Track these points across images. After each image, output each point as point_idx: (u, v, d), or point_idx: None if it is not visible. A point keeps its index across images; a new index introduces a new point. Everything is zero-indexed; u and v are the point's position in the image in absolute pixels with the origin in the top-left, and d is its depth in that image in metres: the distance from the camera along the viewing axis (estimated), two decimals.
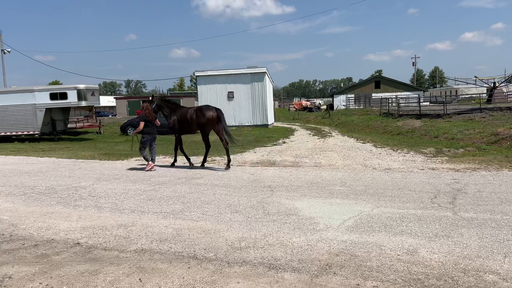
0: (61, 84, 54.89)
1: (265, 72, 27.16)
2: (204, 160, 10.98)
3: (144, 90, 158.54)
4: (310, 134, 22.50)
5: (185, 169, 10.50)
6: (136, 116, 25.46)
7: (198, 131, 10.90)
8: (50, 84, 58.45)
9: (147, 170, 10.26)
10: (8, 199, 7.62)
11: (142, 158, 10.97)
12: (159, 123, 11.26)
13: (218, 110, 10.62)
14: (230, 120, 26.67)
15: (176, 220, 5.86)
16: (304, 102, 72.63)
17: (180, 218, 5.94)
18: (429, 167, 9.91)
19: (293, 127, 30.03)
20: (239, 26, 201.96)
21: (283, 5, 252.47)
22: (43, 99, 20.30)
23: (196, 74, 26.26)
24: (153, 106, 10.82)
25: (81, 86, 20.46)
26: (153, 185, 8.47)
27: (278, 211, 6.15)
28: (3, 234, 5.45)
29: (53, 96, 20.20)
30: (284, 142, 17.40)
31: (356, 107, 52.15)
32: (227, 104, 26.24)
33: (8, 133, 21.13)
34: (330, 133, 22.89)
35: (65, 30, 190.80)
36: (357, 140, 17.49)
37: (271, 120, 29.68)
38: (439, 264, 4.01)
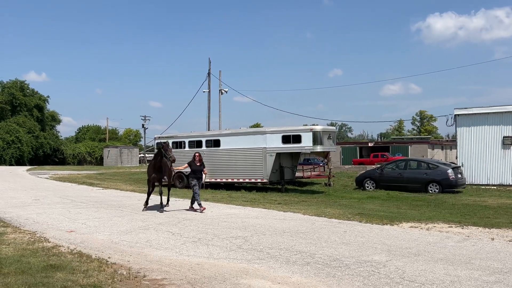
0: (262, 126, 59.94)
1: None
2: None
3: (349, 134, 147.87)
4: None
5: None
6: (377, 167, 24.62)
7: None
8: (251, 126, 64.34)
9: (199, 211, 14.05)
10: (294, 269, 7.26)
11: (197, 204, 14.28)
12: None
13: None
14: (506, 176, 22.85)
15: None
16: None
17: None
18: None
19: None
20: (478, 52, 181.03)
21: None
22: (274, 143, 21.29)
23: (456, 112, 24.12)
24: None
25: (318, 128, 20.79)
26: (493, 273, 6.90)
27: None
28: None
29: (285, 139, 20.99)
30: None
31: None
32: (501, 153, 22.86)
33: (235, 180, 22.94)
34: None
35: (264, 71, 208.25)
36: None
37: None
38: None
